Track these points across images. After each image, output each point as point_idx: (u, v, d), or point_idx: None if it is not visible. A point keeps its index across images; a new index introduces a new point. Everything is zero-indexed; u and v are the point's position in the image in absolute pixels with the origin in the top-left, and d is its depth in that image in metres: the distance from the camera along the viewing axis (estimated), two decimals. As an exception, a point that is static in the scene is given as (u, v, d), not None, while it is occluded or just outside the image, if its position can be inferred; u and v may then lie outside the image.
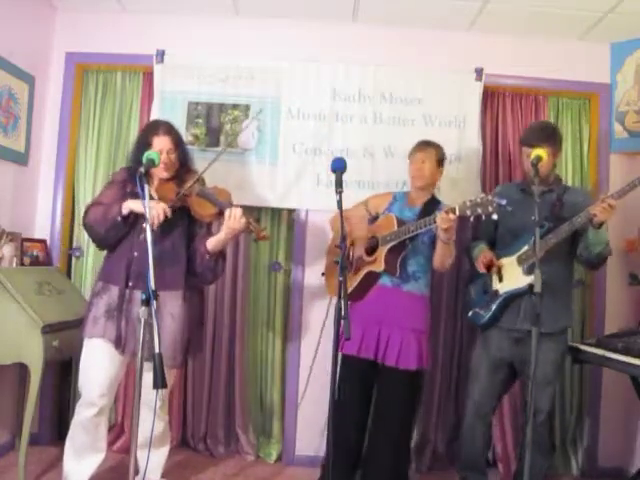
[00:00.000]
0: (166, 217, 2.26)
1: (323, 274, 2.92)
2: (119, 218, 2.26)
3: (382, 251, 2.52)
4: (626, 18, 2.99)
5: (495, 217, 2.18)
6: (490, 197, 2.17)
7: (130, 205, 2.25)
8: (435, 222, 2.32)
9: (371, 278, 2.58)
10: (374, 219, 2.70)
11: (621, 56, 3.25)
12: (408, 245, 2.53)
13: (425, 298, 2.63)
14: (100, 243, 2.40)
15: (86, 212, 2.37)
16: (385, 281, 2.58)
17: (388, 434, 2.55)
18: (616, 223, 2.94)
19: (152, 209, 2.14)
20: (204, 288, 2.57)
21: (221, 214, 2.29)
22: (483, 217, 2.19)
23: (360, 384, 2.62)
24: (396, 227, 2.50)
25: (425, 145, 2.67)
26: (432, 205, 2.60)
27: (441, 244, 2.46)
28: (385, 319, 2.55)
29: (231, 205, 2.28)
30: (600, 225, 2.34)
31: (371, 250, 2.59)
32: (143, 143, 2.32)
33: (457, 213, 2.24)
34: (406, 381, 2.54)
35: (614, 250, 2.58)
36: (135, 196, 2.22)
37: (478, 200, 2.19)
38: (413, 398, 2.66)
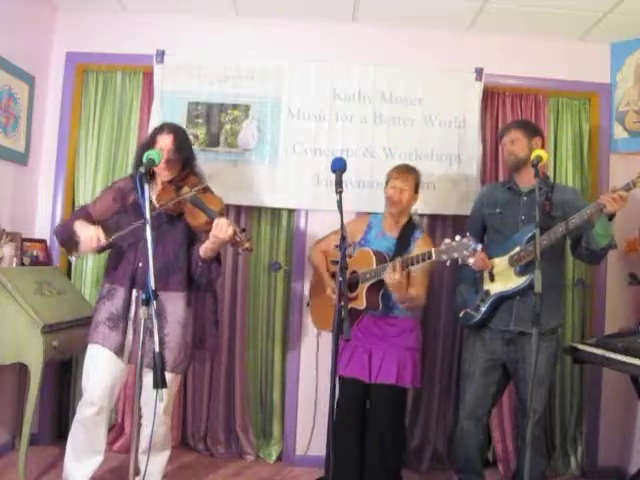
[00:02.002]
0: (169, 219, 2.30)
1: (308, 304, 2.87)
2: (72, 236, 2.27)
3: (362, 289, 2.51)
4: (626, 18, 3.00)
5: (471, 261, 2.26)
6: (466, 240, 2.17)
7: (77, 229, 2.25)
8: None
9: (354, 314, 2.53)
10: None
11: (621, 56, 3.25)
12: None
13: (414, 319, 2.61)
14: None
15: (72, 213, 2.47)
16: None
17: (379, 448, 2.52)
18: (616, 223, 2.93)
19: (87, 236, 2.18)
20: (216, 290, 2.56)
21: (212, 223, 2.28)
22: (460, 261, 2.20)
23: (352, 404, 2.57)
24: (374, 264, 2.48)
25: (405, 172, 2.61)
26: (408, 234, 2.59)
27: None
28: (374, 343, 2.54)
29: (221, 215, 2.27)
30: (612, 217, 2.33)
31: (352, 285, 2.54)
32: (148, 143, 2.34)
33: (433, 258, 2.25)
34: (395, 398, 2.52)
35: (614, 250, 2.57)
36: (136, 207, 2.23)
37: (454, 244, 2.20)
38: (403, 414, 2.67)
